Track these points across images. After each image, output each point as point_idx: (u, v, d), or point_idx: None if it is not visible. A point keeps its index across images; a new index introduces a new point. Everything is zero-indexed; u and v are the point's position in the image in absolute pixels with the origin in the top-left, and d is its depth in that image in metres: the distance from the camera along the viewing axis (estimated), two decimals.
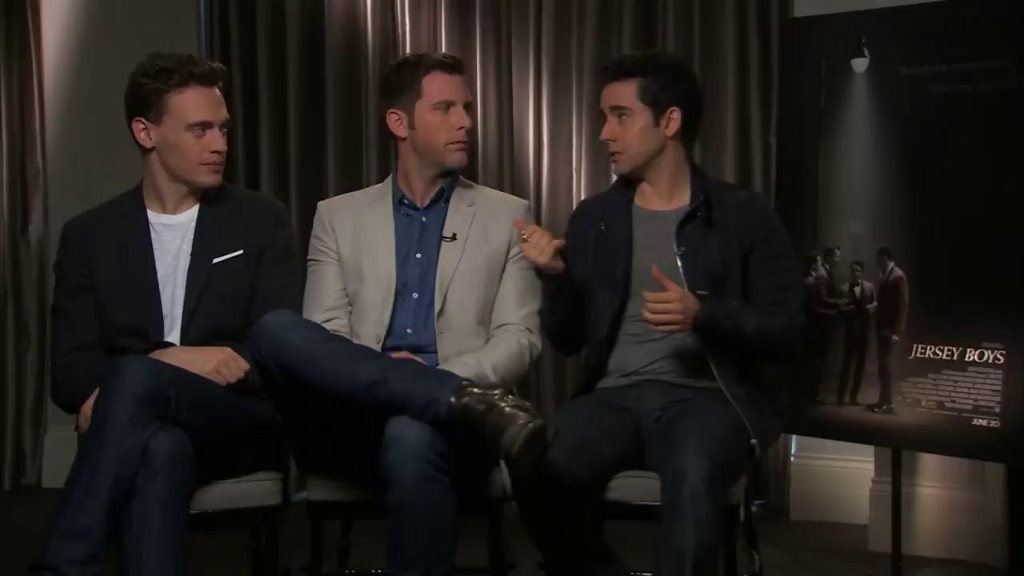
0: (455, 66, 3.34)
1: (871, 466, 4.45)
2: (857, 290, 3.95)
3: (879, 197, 3.92)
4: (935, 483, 4.34)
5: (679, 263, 3.18)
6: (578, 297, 3.25)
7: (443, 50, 5.03)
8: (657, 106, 3.23)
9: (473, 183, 3.52)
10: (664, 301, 3.05)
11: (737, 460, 3.07)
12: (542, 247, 3.11)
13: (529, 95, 5.16)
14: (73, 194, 4.85)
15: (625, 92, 3.24)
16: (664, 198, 3.30)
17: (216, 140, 3.19)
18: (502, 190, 4.26)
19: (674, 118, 3.24)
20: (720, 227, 3.23)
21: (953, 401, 3.73)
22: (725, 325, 3.13)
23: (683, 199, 3.29)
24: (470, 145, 3.41)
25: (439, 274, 3.30)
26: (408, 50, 5.10)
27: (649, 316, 3.06)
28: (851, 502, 4.63)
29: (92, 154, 5.25)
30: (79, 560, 2.81)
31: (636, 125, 3.23)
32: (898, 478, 3.95)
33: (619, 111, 3.24)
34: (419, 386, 2.94)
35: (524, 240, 3.13)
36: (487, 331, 3.34)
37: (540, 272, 3.19)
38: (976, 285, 3.71)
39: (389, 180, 3.43)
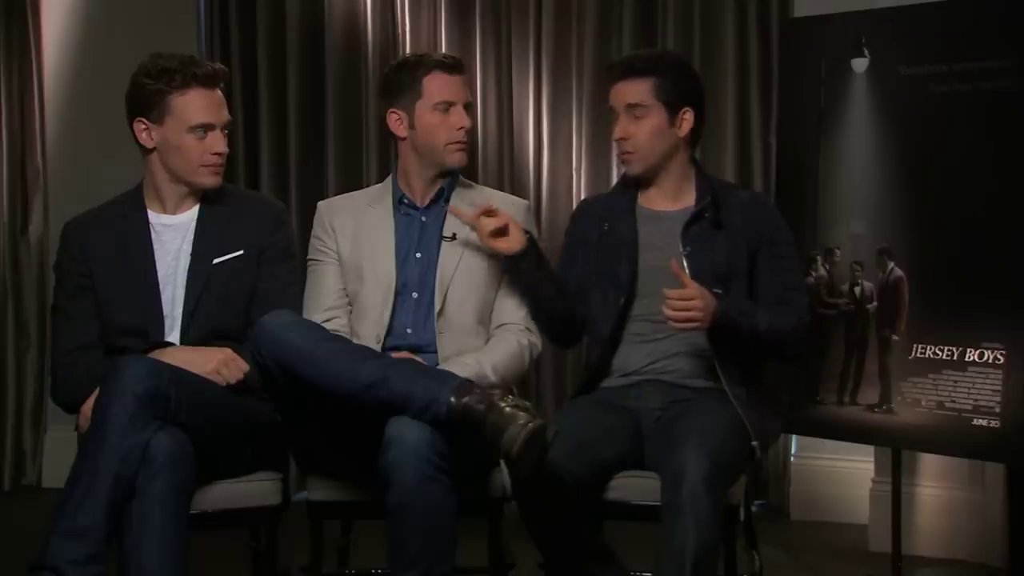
0: (455, 66, 3.34)
1: (871, 466, 4.45)
2: (857, 290, 3.95)
3: (879, 197, 3.92)
4: (935, 483, 4.35)
5: (685, 263, 3.18)
6: (553, 282, 3.25)
7: (443, 50, 5.03)
8: (671, 106, 3.22)
9: (473, 183, 3.52)
10: (686, 298, 3.05)
11: (737, 460, 3.07)
12: (485, 229, 3.16)
13: (529, 95, 5.16)
14: (73, 194, 4.85)
15: (641, 89, 3.22)
16: (669, 199, 3.30)
17: (217, 142, 3.19)
18: (502, 190, 4.25)
19: (687, 118, 3.25)
20: (726, 227, 3.23)
21: (953, 401, 3.73)
22: (741, 323, 3.13)
23: (688, 200, 3.29)
24: (470, 145, 3.41)
25: (439, 274, 3.30)
26: (408, 50, 5.11)
27: (670, 313, 3.05)
28: (851, 502, 4.63)
29: (92, 154, 5.25)
30: (79, 560, 2.81)
31: (651, 124, 3.22)
32: (898, 478, 3.95)
33: (634, 108, 3.22)
34: (419, 386, 2.94)
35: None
36: (487, 331, 3.34)
37: (508, 266, 3.22)
38: (976, 285, 3.71)
39: (389, 180, 3.43)
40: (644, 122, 3.22)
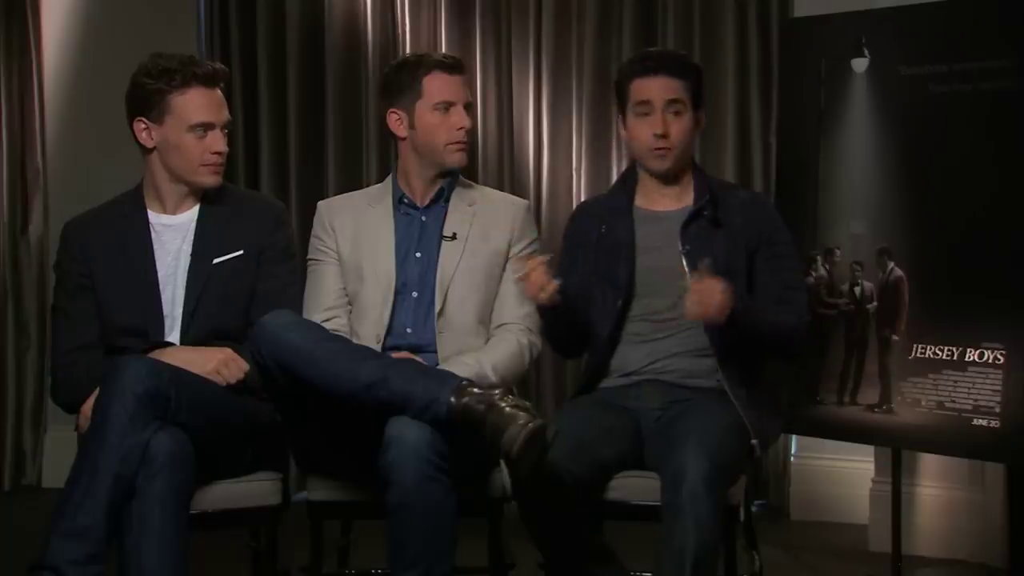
0: (455, 66, 3.35)
1: (871, 466, 4.45)
2: (857, 290, 3.95)
3: (879, 197, 3.92)
4: (935, 483, 4.34)
5: (684, 262, 3.18)
6: (576, 314, 3.25)
7: (443, 50, 5.03)
8: (696, 107, 3.27)
9: (473, 183, 3.52)
10: (711, 288, 3.02)
11: (737, 460, 3.07)
12: (542, 286, 3.08)
13: (529, 95, 5.16)
14: (73, 194, 4.85)
15: (680, 87, 3.24)
16: (672, 199, 3.30)
17: (217, 141, 3.19)
18: (502, 190, 4.26)
19: (701, 120, 3.29)
20: (725, 227, 3.24)
21: (953, 401, 3.73)
22: (746, 320, 3.12)
23: (687, 199, 3.29)
24: (470, 145, 3.41)
25: (439, 273, 3.30)
26: (408, 50, 5.10)
27: (691, 304, 3.01)
28: (851, 502, 4.63)
29: (92, 154, 5.25)
30: (79, 560, 2.81)
31: (687, 121, 3.24)
32: (898, 478, 3.95)
33: (675, 104, 3.23)
34: (419, 386, 2.94)
35: (522, 275, 3.11)
36: (487, 331, 3.34)
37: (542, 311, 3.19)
38: (976, 285, 3.71)
39: (389, 180, 3.43)
40: (683, 119, 3.24)
